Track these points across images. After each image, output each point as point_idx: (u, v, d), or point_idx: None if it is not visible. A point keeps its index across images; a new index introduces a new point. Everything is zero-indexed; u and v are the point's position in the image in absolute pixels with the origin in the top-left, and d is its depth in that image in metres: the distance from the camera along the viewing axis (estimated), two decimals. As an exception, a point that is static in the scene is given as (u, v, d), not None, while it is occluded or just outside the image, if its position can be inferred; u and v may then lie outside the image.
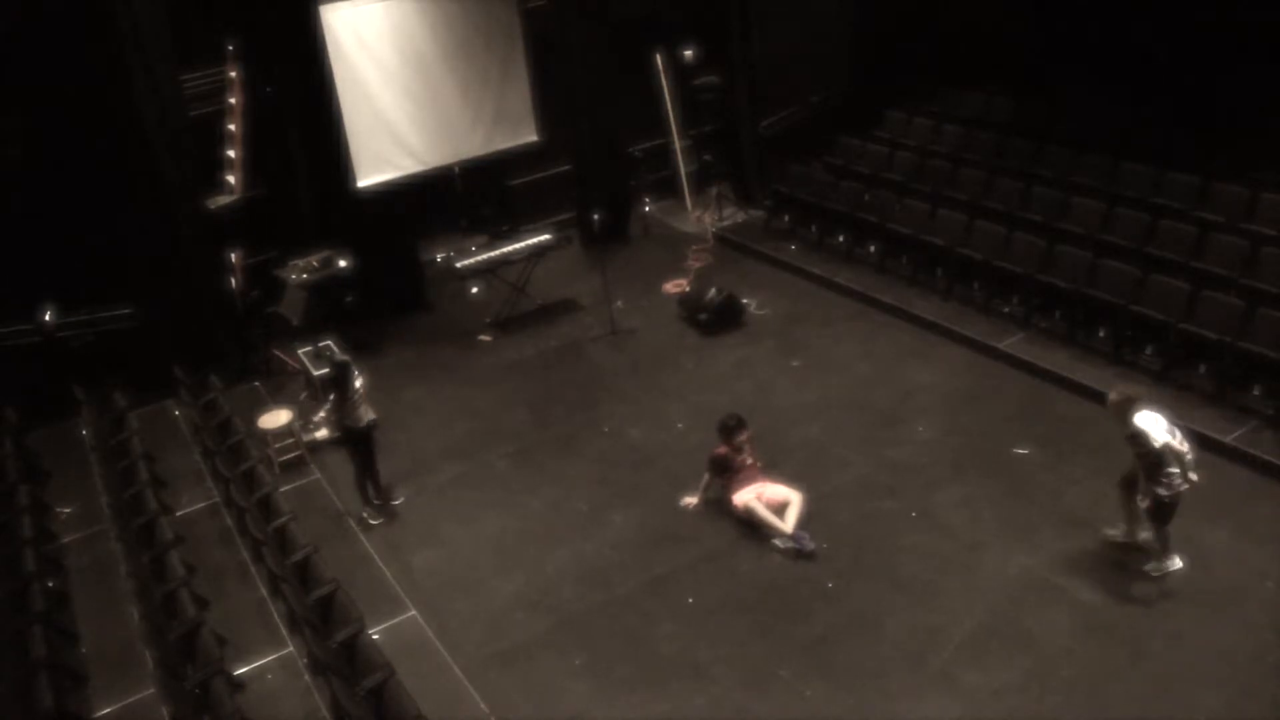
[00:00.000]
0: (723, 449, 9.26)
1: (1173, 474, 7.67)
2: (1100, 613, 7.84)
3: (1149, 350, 10.44)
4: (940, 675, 7.48)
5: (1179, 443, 7.72)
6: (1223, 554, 8.22)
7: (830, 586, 8.44)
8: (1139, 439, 7.69)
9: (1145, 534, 8.25)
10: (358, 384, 9.66)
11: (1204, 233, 11.00)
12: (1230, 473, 9.10)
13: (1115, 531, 8.46)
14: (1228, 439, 9.31)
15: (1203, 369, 9.98)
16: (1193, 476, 7.76)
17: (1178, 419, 7.96)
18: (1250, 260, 10.50)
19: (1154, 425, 7.66)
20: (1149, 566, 8.17)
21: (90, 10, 10.94)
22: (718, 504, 9.40)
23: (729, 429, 9.24)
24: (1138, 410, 7.73)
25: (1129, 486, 8.14)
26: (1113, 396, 7.90)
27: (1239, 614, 7.66)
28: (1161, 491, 7.74)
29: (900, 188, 13.69)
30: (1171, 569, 8.11)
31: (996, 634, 7.77)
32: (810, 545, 8.75)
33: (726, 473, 9.27)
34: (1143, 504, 7.94)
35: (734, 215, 15.58)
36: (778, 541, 8.88)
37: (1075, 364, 10.70)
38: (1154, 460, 7.67)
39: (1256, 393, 9.62)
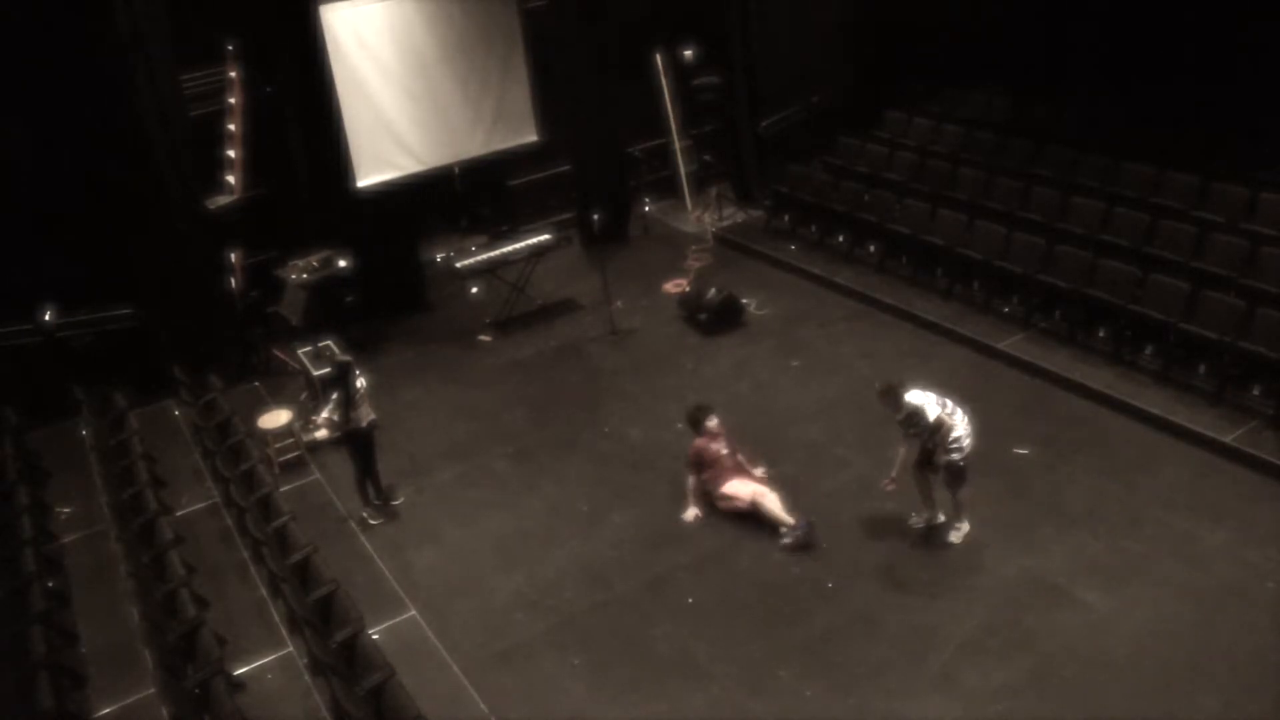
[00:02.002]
0: (700, 441, 9.25)
1: (959, 437, 8.27)
2: (1100, 612, 7.84)
3: (1149, 350, 10.44)
4: (940, 675, 7.49)
5: (950, 412, 8.29)
6: (1223, 554, 8.23)
7: (830, 586, 8.44)
8: (915, 416, 8.25)
9: (942, 515, 8.82)
10: (359, 384, 9.67)
11: (1204, 233, 11.00)
12: (1230, 473, 9.11)
13: (920, 519, 8.90)
14: (1228, 439, 9.32)
15: (1203, 369, 9.98)
16: (968, 443, 8.35)
17: (949, 394, 8.54)
18: (1250, 260, 10.51)
19: (925, 400, 8.26)
20: (951, 536, 8.70)
21: (90, 10, 10.94)
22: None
23: (697, 419, 9.26)
24: (906, 391, 8.30)
25: (921, 470, 8.65)
26: (879, 388, 8.49)
27: (1239, 613, 7.66)
28: (955, 457, 8.34)
29: (900, 188, 13.68)
30: (966, 530, 8.69)
31: (996, 634, 7.77)
32: (813, 532, 8.84)
33: (705, 466, 9.26)
34: (936, 475, 8.58)
35: (734, 215, 15.59)
36: (785, 536, 8.86)
37: (1075, 364, 10.71)
38: (933, 430, 8.24)
39: (1256, 393, 9.62)
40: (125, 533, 9.20)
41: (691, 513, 9.38)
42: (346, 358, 10.02)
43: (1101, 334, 10.83)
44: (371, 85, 13.63)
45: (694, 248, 14.80)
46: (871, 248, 13.40)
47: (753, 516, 9.12)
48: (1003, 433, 9.94)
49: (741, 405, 11.00)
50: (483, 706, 7.69)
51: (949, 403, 8.38)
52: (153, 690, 7.87)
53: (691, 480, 9.36)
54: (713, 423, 9.24)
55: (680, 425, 10.63)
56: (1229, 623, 7.59)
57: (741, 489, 9.15)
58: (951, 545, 8.68)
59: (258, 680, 8.18)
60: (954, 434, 8.28)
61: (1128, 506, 8.85)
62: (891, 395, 8.33)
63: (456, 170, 14.63)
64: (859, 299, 12.81)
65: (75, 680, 8.20)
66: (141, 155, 11.56)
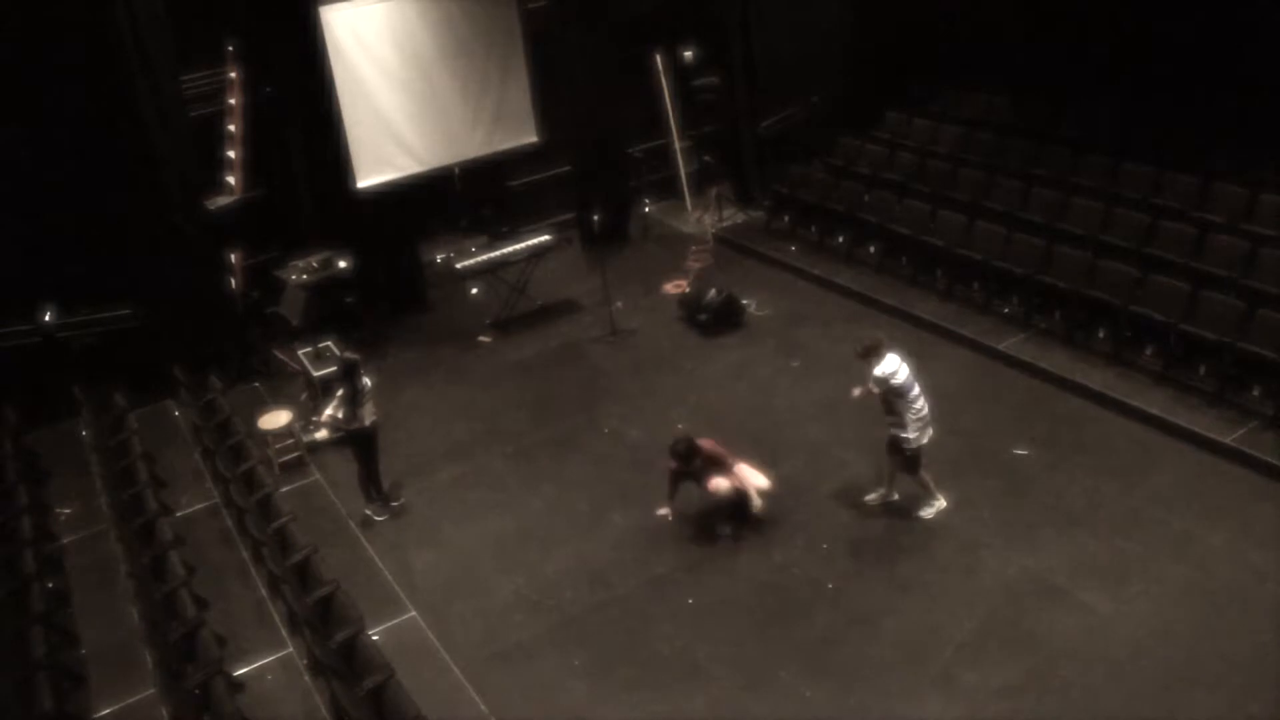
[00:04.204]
0: (675, 465, 9.04)
1: (918, 409, 8.52)
2: (1100, 613, 7.84)
3: (1149, 350, 10.44)
4: (940, 675, 7.49)
5: (913, 398, 8.52)
6: (1223, 554, 8.23)
7: (830, 586, 8.44)
8: (881, 381, 8.44)
9: (896, 495, 9.18)
10: (365, 382, 9.65)
11: (1204, 233, 11.00)
12: (1230, 473, 9.12)
13: (875, 496, 9.25)
14: (1228, 439, 9.33)
15: (1202, 369, 9.98)
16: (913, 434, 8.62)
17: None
18: (1250, 260, 10.50)
19: (898, 366, 8.42)
20: (922, 512, 9.00)
21: (90, 11, 10.94)
22: (715, 503, 9.43)
23: (680, 455, 8.94)
24: (886, 353, 8.48)
25: (893, 451, 8.88)
26: (859, 348, 8.62)
27: (1239, 614, 7.66)
28: (907, 444, 8.61)
29: (900, 188, 13.68)
30: (941, 507, 9.00)
31: (996, 634, 7.77)
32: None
33: (686, 480, 9.14)
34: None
35: (734, 216, 15.59)
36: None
37: (1075, 364, 10.71)
38: (898, 394, 8.41)
39: (1256, 393, 9.62)
40: (125, 533, 9.20)
41: (663, 512, 9.35)
42: (354, 355, 9.98)
43: (1101, 334, 10.83)
44: (371, 85, 13.63)
45: (694, 248, 14.80)
46: (871, 248, 13.40)
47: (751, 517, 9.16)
48: (1003, 433, 9.96)
49: (741, 405, 11.01)
50: (483, 707, 7.69)
51: (917, 388, 8.56)
52: (153, 690, 7.88)
53: (669, 489, 9.25)
54: (697, 460, 8.98)
55: (681, 426, 10.65)
56: (1229, 623, 7.59)
57: (723, 483, 9.02)
58: (922, 519, 8.94)
59: (258, 680, 8.18)
60: (914, 405, 8.50)
61: (1128, 507, 8.85)
62: (871, 352, 8.49)
63: (456, 170, 14.62)
64: (859, 299, 12.81)
65: (75, 681, 8.20)
66: (141, 155, 11.56)
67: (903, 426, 8.59)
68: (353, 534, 9.80)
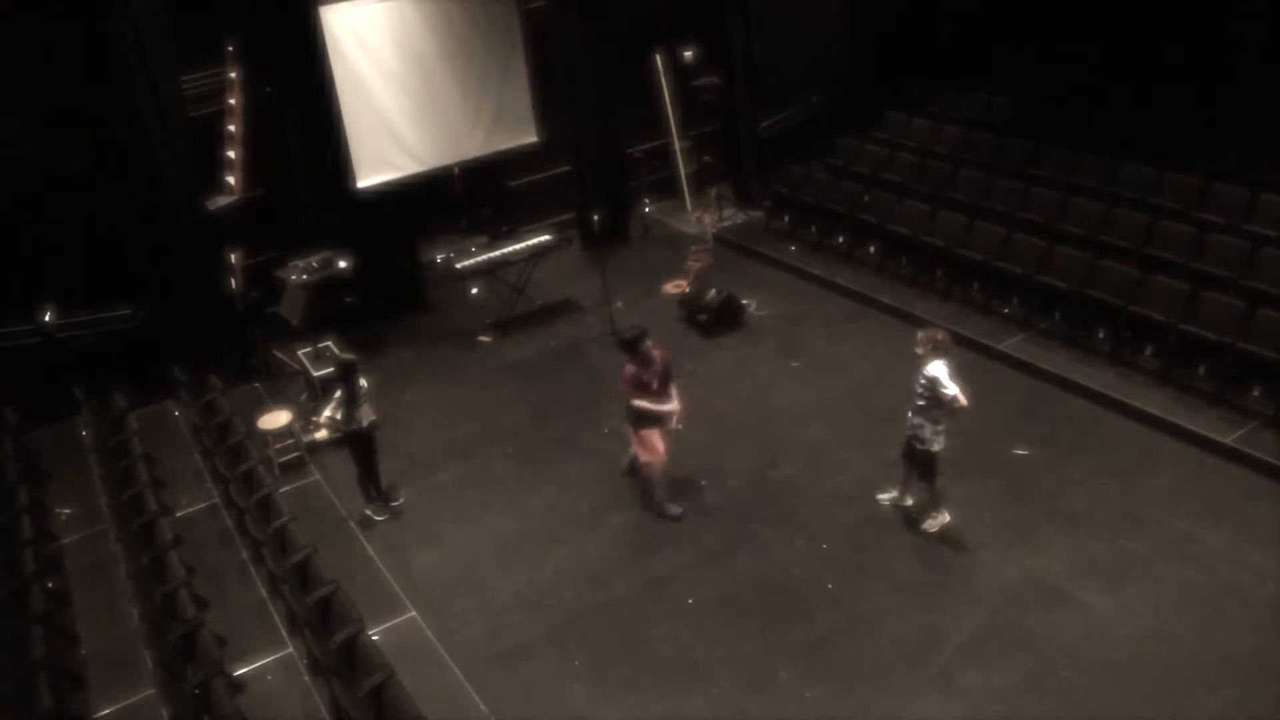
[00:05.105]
0: (632, 369, 8.89)
1: (930, 427, 8.37)
2: (1100, 613, 7.84)
3: (1149, 351, 10.44)
4: (940, 676, 7.49)
5: (939, 411, 8.32)
6: (1223, 554, 8.23)
7: (830, 587, 8.44)
8: (935, 383, 8.20)
9: (910, 500, 9.10)
10: (362, 383, 9.64)
11: (1204, 233, 11.01)
12: (1230, 473, 9.12)
13: (886, 497, 9.22)
14: (1228, 439, 9.33)
15: (1202, 370, 9.98)
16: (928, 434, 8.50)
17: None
18: (1250, 260, 10.51)
19: (943, 373, 8.20)
20: (925, 525, 8.89)
21: (91, 11, 10.94)
22: (715, 503, 9.41)
23: (628, 341, 8.84)
24: (945, 356, 8.27)
25: (910, 457, 8.78)
26: (927, 335, 8.38)
27: (1239, 614, 7.67)
28: (932, 446, 8.45)
29: (900, 188, 13.69)
30: (944, 521, 8.86)
31: (996, 634, 7.77)
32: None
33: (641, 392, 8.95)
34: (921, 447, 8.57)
35: (734, 216, 15.59)
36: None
37: (1075, 364, 10.71)
38: (940, 401, 8.19)
39: (1256, 394, 9.63)
40: (125, 533, 9.20)
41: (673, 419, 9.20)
42: (350, 356, 9.99)
43: (1101, 335, 10.84)
44: (371, 85, 13.63)
45: (694, 248, 14.79)
46: (871, 248, 13.40)
47: (749, 513, 9.15)
48: (1003, 433, 9.96)
49: (741, 405, 11.02)
50: (483, 707, 7.70)
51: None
52: (153, 691, 7.88)
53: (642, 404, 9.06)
54: (648, 345, 8.96)
55: (680, 426, 10.63)
56: (1229, 623, 7.60)
57: (659, 443, 9.13)
58: (927, 534, 8.81)
59: (258, 680, 8.18)
60: (935, 424, 8.39)
61: (1128, 507, 8.86)
62: (933, 347, 8.27)
63: (456, 170, 14.62)
64: (859, 300, 12.81)
65: (75, 681, 8.20)
66: (141, 155, 11.56)
67: (925, 427, 8.45)
68: (353, 534, 9.80)
